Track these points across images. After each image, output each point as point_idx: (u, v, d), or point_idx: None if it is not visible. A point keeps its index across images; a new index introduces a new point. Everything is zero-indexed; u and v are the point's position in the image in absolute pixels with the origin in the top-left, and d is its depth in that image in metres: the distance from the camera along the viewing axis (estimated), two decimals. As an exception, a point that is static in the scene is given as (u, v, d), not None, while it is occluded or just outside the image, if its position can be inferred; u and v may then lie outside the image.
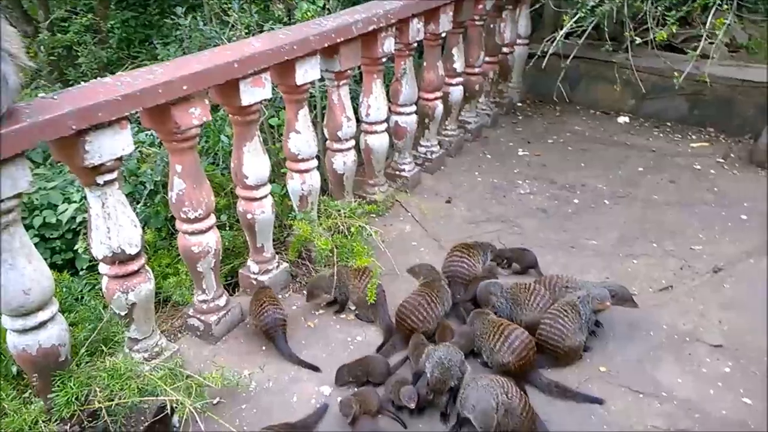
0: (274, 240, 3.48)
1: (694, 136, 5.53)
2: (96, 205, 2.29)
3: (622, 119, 5.90)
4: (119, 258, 2.37)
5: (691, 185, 4.67)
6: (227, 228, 3.57)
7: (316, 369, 2.88)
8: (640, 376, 2.86)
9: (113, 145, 2.19)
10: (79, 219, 3.78)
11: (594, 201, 4.46)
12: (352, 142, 3.73)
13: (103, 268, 2.44)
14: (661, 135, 5.59)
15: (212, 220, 2.77)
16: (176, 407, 2.29)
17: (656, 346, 3.04)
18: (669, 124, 5.75)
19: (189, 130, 2.47)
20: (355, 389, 2.73)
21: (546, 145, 5.38)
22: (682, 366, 2.92)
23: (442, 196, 4.51)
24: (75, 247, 3.53)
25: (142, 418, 2.55)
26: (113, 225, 2.31)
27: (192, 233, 2.72)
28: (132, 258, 2.41)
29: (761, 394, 2.74)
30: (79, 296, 3.09)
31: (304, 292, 3.40)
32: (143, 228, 3.52)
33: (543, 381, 2.76)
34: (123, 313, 2.50)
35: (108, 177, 2.24)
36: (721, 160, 5.07)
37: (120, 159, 2.25)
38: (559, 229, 4.09)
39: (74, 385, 2.23)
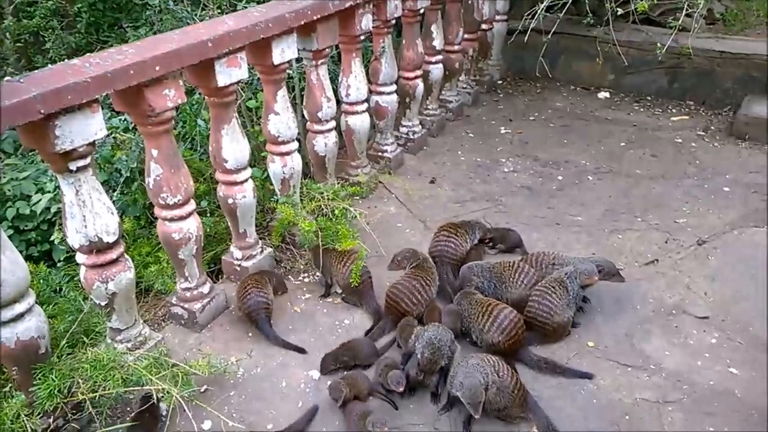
0: (256, 225, 3.41)
1: (674, 110, 5.55)
2: (70, 193, 2.20)
3: (603, 94, 5.89)
4: (96, 247, 2.29)
5: (673, 159, 4.69)
6: (208, 214, 3.49)
7: (301, 351, 2.84)
8: (629, 350, 2.87)
9: (85, 129, 2.09)
10: (54, 209, 3.66)
11: (578, 177, 4.45)
12: (333, 123, 3.66)
13: (80, 257, 2.35)
14: (642, 109, 5.60)
15: (192, 205, 2.69)
16: (163, 396, 2.23)
17: (643, 320, 3.05)
18: (649, 98, 5.76)
19: (164, 112, 2.38)
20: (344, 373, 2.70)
21: (528, 123, 5.35)
22: (669, 338, 2.94)
23: (425, 176, 4.47)
24: (51, 238, 3.42)
25: (128, 408, 2.50)
26: (89, 213, 2.22)
27: (172, 220, 2.64)
28: (110, 246, 2.33)
29: (748, 363, 2.76)
30: (58, 288, 3.00)
31: (290, 277, 3.37)
32: (121, 217, 3.42)
33: (532, 358, 2.76)
34: (103, 303, 2.43)
35: (81, 163, 2.15)
36: (702, 133, 5.10)
37: (93, 144, 2.16)
38: (544, 206, 4.07)
39: (56, 377, 2.16)
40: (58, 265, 3.52)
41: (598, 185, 4.34)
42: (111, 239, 2.30)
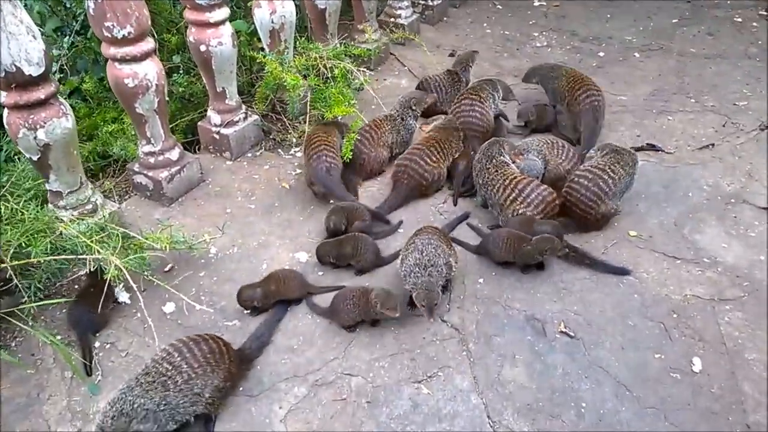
0: (242, 92, 2.88)
1: (734, -14, 4.77)
2: (-27, 3, 1.67)
3: (653, -34, 5.09)
4: (16, 79, 1.77)
5: (732, 38, 4.04)
6: (181, 71, 2.93)
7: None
8: (678, 241, 2.40)
9: None
10: None
11: (622, 54, 3.83)
12: (335, -32, 3.03)
13: (-1, 95, 1.85)
14: (698, -17, 4.82)
15: (149, 44, 2.13)
16: (106, 269, 1.79)
17: (696, 208, 2.56)
18: (707, -29, 4.96)
19: None
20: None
21: (565, -6, 4.63)
22: (726, 229, 2.46)
23: (444, 49, 3.88)
24: None
25: (76, 286, 2.10)
26: (2, 33, 1.70)
27: (123, 60, 2.10)
28: (34, 82, 1.82)
29: (823, 258, 2.28)
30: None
31: (279, 150, 2.87)
32: (82, 77, 2.90)
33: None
34: (35, 158, 1.95)
35: (-19, -42, 1.61)
36: (764, 13, 4.41)
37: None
38: (581, 83, 3.48)
39: (-33, 241, 1.73)
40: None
41: (646, 63, 3.72)
42: (34, 71, 1.79)
